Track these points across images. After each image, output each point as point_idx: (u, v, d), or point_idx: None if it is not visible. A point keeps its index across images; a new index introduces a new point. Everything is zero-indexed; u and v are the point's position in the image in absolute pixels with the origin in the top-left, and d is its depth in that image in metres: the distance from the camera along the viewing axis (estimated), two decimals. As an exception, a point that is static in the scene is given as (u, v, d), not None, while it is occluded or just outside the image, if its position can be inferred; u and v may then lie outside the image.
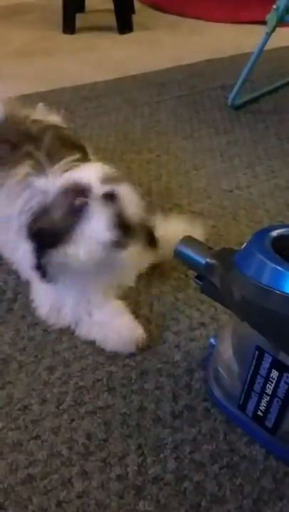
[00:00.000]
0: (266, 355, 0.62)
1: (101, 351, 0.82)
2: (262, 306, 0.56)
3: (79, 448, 0.69)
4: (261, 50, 1.50)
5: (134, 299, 0.91)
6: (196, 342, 0.83)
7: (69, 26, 2.23)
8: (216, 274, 0.64)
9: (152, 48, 2.10)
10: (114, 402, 0.74)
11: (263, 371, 0.63)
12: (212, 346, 0.75)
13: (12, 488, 0.65)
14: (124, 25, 2.25)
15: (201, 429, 0.71)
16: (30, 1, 2.63)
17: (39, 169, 0.85)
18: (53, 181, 0.81)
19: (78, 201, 0.75)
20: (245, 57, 1.57)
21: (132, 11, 2.38)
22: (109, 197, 0.75)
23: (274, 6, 1.41)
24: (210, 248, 0.68)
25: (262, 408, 0.66)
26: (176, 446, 0.69)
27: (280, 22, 1.42)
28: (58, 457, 0.68)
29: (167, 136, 1.43)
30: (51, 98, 1.64)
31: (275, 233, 0.61)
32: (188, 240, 0.70)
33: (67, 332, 0.85)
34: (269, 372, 0.62)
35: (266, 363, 0.62)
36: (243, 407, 0.69)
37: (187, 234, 0.72)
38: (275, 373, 0.62)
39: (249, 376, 0.65)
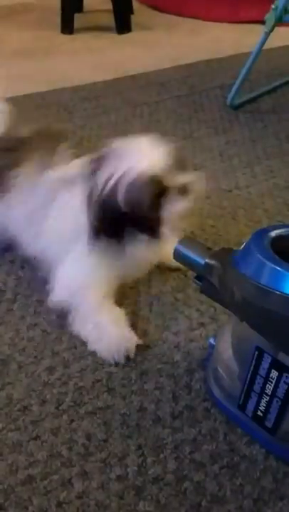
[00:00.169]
0: (266, 355, 0.62)
1: (101, 352, 0.82)
2: (261, 306, 0.56)
3: (79, 448, 0.69)
4: (260, 50, 1.51)
5: (134, 299, 0.91)
6: (195, 342, 0.83)
7: (67, 26, 2.24)
8: (215, 274, 0.64)
9: (151, 48, 2.10)
10: (114, 403, 0.74)
11: (262, 371, 0.63)
12: (212, 346, 0.75)
13: (12, 489, 0.64)
14: (123, 25, 2.25)
15: (201, 430, 0.71)
16: (29, 1, 2.64)
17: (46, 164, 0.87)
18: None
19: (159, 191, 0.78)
20: (244, 56, 1.57)
21: (131, 11, 2.39)
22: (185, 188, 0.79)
23: (272, 6, 1.42)
24: (209, 248, 0.68)
25: (262, 408, 0.66)
26: (176, 447, 0.69)
27: (279, 22, 1.43)
28: (58, 458, 0.68)
29: (167, 136, 1.43)
30: (50, 98, 1.65)
31: (274, 233, 0.61)
32: (188, 241, 0.70)
33: (66, 332, 0.85)
34: (269, 372, 0.62)
35: (266, 363, 0.62)
36: (242, 407, 0.69)
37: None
38: (274, 373, 0.62)
39: (249, 376, 0.65)
